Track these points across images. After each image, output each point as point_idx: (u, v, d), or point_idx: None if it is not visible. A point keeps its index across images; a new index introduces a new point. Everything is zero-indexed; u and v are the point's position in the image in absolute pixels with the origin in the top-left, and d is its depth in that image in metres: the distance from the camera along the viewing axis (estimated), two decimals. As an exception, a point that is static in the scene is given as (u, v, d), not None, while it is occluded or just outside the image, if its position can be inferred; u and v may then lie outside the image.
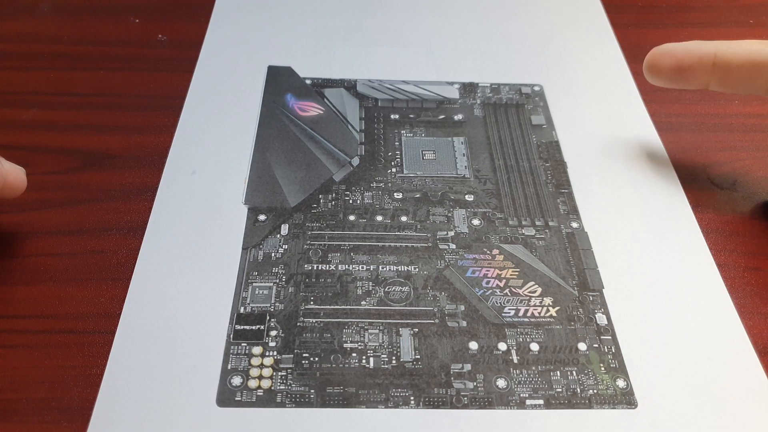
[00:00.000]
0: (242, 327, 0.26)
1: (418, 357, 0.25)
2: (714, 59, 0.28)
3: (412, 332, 0.26)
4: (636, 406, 0.24)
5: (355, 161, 0.33)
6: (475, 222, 0.30)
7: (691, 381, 0.25)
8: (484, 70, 0.38)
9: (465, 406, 0.24)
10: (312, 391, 0.24)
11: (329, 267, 0.28)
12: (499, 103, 0.36)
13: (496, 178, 0.32)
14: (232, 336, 0.25)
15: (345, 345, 0.25)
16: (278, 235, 0.29)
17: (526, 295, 0.27)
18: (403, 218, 0.30)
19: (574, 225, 0.30)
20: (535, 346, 0.26)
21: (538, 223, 0.30)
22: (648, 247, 0.29)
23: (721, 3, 0.45)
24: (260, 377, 0.24)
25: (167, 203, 0.30)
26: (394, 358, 0.25)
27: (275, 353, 0.25)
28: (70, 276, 0.27)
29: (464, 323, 0.26)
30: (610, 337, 0.26)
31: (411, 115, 0.35)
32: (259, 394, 0.24)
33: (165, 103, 0.35)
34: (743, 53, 0.28)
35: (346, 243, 0.29)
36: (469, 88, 0.37)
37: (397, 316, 0.26)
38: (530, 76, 0.38)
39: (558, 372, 0.25)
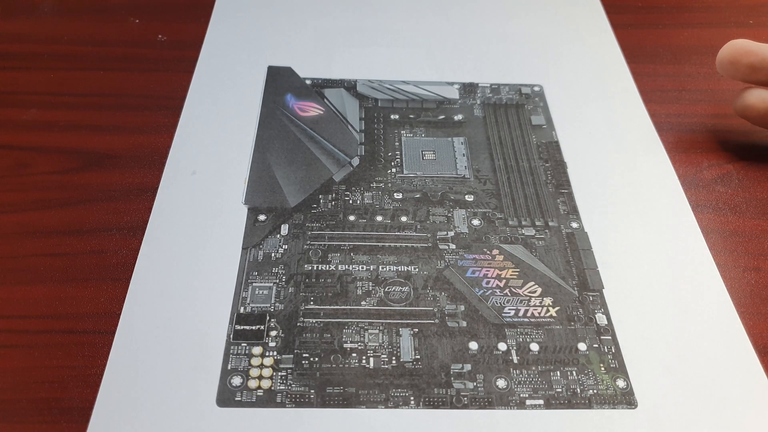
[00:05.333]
0: (242, 327, 0.26)
1: (418, 357, 0.25)
2: None
3: (412, 332, 0.26)
4: (636, 406, 0.24)
5: (355, 161, 0.33)
6: (475, 222, 0.30)
7: (691, 381, 0.25)
8: (484, 70, 0.38)
9: (465, 406, 0.24)
10: (312, 391, 0.24)
11: (329, 267, 0.28)
12: (499, 103, 0.36)
13: (496, 179, 0.32)
14: (232, 336, 0.25)
15: (345, 345, 0.25)
16: (278, 235, 0.29)
17: (526, 295, 0.27)
18: (403, 218, 0.30)
19: (574, 225, 0.30)
20: (535, 346, 0.26)
21: (538, 223, 0.30)
22: (648, 247, 0.29)
23: (721, 3, 0.45)
24: (260, 377, 0.24)
25: (167, 203, 0.30)
26: (394, 358, 0.25)
27: (275, 353, 0.25)
28: (70, 276, 0.27)
29: (464, 323, 0.26)
30: (610, 337, 0.26)
31: (411, 116, 0.35)
32: (259, 394, 0.24)
33: (165, 103, 0.35)
34: None
35: (346, 243, 0.29)
36: (469, 89, 0.37)
37: (397, 316, 0.26)
38: (530, 76, 0.38)
39: (558, 372, 0.25)
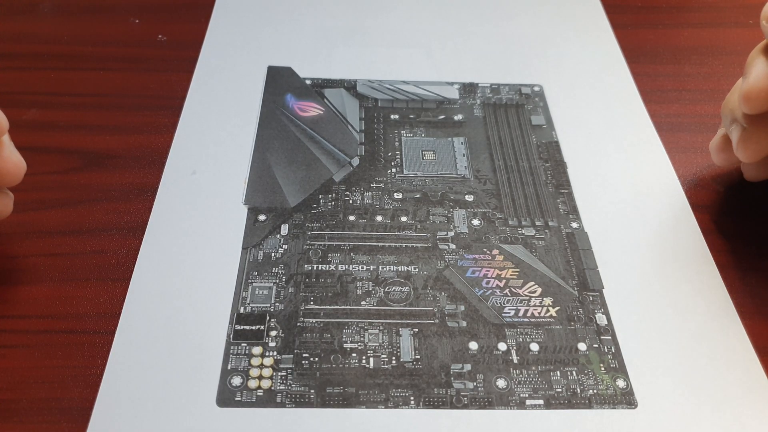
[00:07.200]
0: (242, 327, 0.26)
1: (418, 357, 0.25)
2: None
3: (412, 332, 0.26)
4: (636, 406, 0.24)
5: (355, 161, 0.33)
6: (475, 222, 0.30)
7: (691, 381, 0.25)
8: (484, 70, 0.38)
9: (465, 406, 0.24)
10: (312, 391, 0.24)
11: (329, 267, 0.28)
12: (499, 103, 0.36)
13: (496, 179, 0.32)
14: (232, 336, 0.25)
15: (345, 345, 0.25)
16: (278, 235, 0.29)
17: (526, 295, 0.27)
18: (403, 218, 0.30)
19: (574, 225, 0.30)
20: (535, 346, 0.26)
21: (538, 223, 0.30)
22: (648, 247, 0.29)
23: (721, 3, 0.45)
24: (260, 377, 0.24)
25: (167, 203, 0.30)
26: (394, 358, 0.25)
27: (275, 353, 0.25)
28: (70, 276, 0.27)
29: (464, 323, 0.26)
30: (610, 337, 0.26)
31: (411, 116, 0.35)
32: (259, 394, 0.24)
33: (165, 103, 0.35)
34: None
35: (346, 243, 0.29)
36: (469, 89, 0.37)
37: (397, 316, 0.26)
38: (530, 76, 0.38)
39: (558, 372, 0.25)
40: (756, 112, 0.26)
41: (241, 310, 0.26)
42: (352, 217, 0.30)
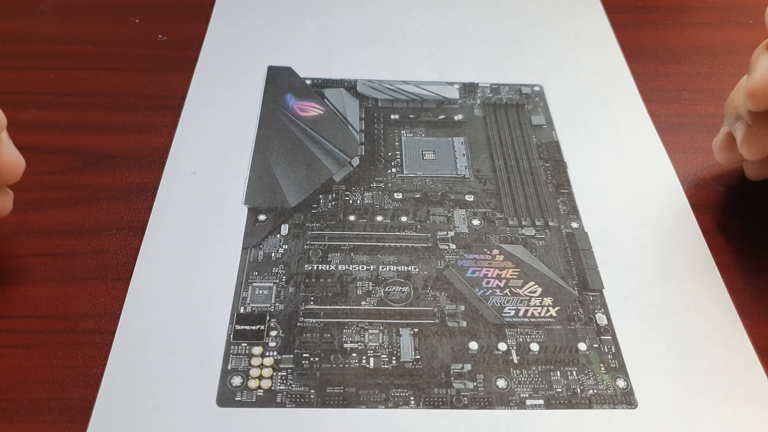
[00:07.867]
0: (242, 327, 0.26)
1: (418, 357, 0.25)
2: None
3: (412, 332, 0.26)
4: (636, 406, 0.24)
5: (355, 161, 0.33)
6: (475, 222, 0.30)
7: (691, 381, 0.25)
8: (484, 70, 0.38)
9: (465, 406, 0.24)
10: (312, 391, 0.24)
11: (329, 267, 0.28)
12: (499, 103, 0.36)
13: (496, 178, 0.32)
14: (232, 336, 0.25)
15: (345, 345, 0.25)
16: (278, 235, 0.29)
17: (526, 295, 0.27)
18: (403, 218, 0.30)
19: (574, 225, 0.30)
20: (535, 346, 0.26)
21: (538, 223, 0.30)
22: (648, 247, 0.29)
23: (721, 3, 0.45)
24: (260, 377, 0.24)
25: (167, 203, 0.30)
26: (394, 358, 0.25)
27: (275, 353, 0.25)
28: (70, 276, 0.27)
29: (464, 323, 0.26)
30: (610, 337, 0.26)
31: (411, 116, 0.35)
32: (259, 394, 0.24)
33: (165, 103, 0.35)
34: None
35: (346, 243, 0.29)
36: (469, 89, 0.37)
37: (397, 316, 0.26)
38: (530, 76, 0.38)
39: (558, 372, 0.25)
40: (760, 109, 0.26)
41: (241, 310, 0.26)
42: (352, 217, 0.30)
